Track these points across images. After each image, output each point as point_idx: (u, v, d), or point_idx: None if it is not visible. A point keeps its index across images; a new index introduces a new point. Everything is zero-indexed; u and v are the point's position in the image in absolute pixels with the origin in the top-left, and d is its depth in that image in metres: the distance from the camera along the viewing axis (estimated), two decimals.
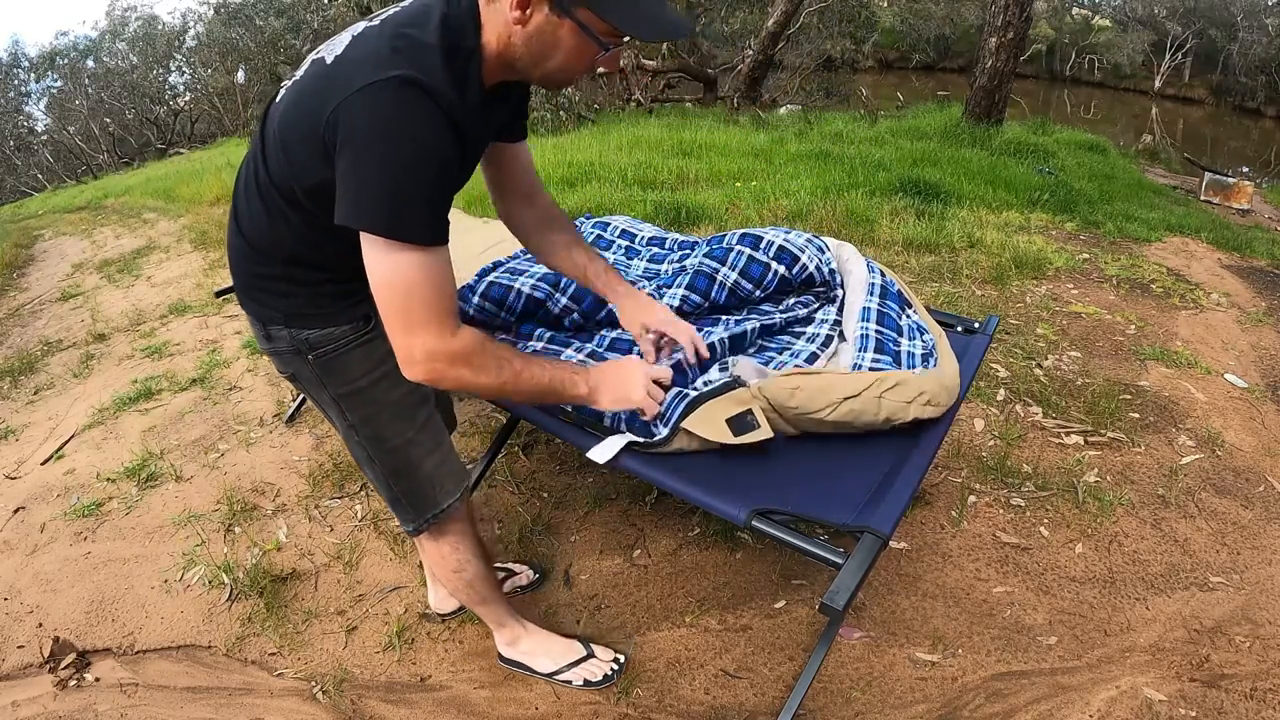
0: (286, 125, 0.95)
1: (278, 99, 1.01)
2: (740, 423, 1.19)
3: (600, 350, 1.60)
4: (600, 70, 1.01)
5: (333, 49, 0.95)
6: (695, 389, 1.27)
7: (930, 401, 1.27)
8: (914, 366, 1.43)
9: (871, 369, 1.40)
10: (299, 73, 0.99)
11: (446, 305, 0.96)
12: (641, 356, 1.36)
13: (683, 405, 1.23)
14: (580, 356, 1.56)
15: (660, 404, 1.21)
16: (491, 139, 1.17)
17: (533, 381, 1.08)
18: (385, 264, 0.91)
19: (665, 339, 1.35)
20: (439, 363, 0.97)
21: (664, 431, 1.24)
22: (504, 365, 1.03)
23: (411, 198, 0.89)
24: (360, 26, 0.96)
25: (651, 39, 0.97)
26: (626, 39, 0.96)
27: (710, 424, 1.21)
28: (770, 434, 1.19)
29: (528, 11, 0.91)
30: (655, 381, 1.20)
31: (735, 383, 1.24)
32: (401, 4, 0.98)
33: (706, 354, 1.34)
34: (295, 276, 1.05)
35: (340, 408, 1.15)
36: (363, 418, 1.15)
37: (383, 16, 0.96)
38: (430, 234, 0.92)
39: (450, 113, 0.89)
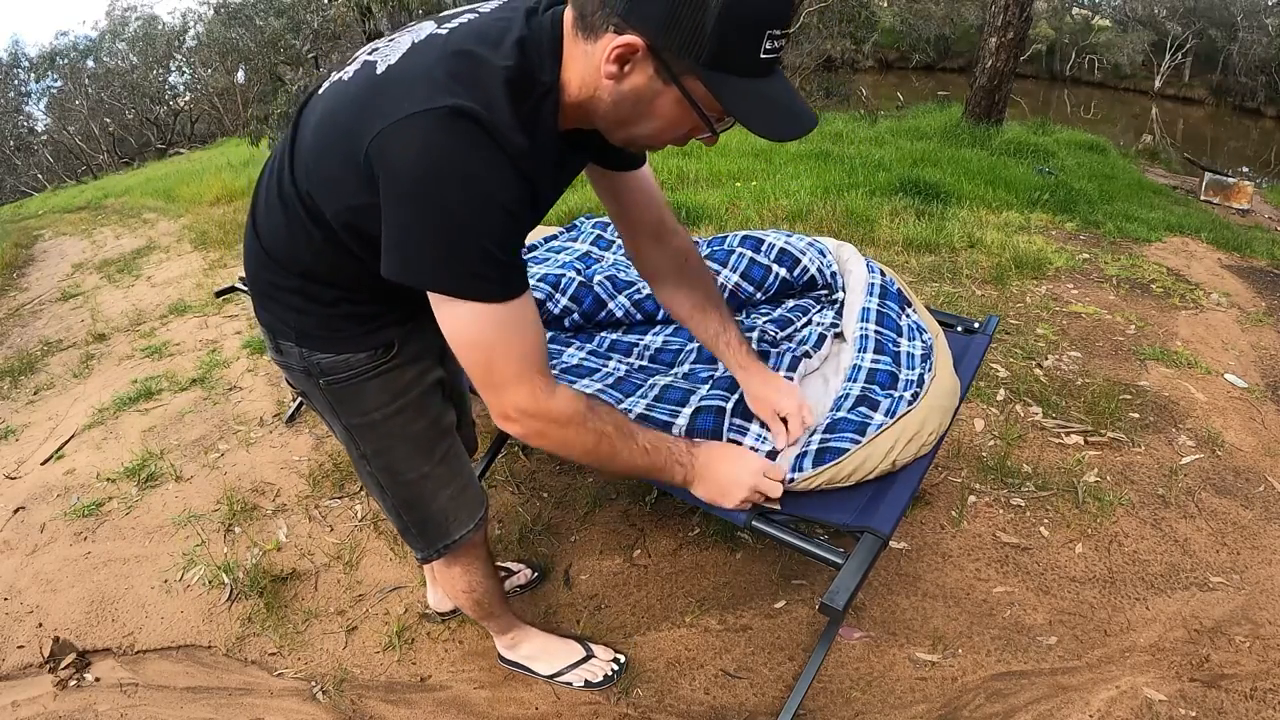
0: (322, 138, 0.83)
1: (320, 92, 0.89)
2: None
3: (600, 350, 1.60)
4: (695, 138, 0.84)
5: (387, 55, 0.81)
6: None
7: (935, 432, 1.27)
8: (913, 367, 1.43)
9: (871, 368, 1.40)
10: (346, 72, 0.86)
11: (534, 360, 0.86)
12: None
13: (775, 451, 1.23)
14: (582, 355, 1.56)
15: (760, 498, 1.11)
16: (567, 183, 1.00)
17: (629, 461, 0.99)
18: (458, 322, 0.82)
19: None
20: (536, 422, 0.88)
21: None
22: (600, 443, 0.94)
23: (471, 251, 0.77)
24: (425, 31, 0.83)
25: (774, 138, 0.77)
26: (730, 124, 0.79)
27: None
28: (776, 506, 1.18)
29: (626, 68, 0.75)
30: (767, 483, 1.10)
31: None
32: (476, 10, 0.85)
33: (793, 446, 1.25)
34: (310, 292, 0.95)
35: (352, 437, 1.07)
36: (376, 450, 1.07)
37: (452, 25, 0.82)
38: (502, 288, 0.81)
39: (514, 155, 0.77)
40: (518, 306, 0.83)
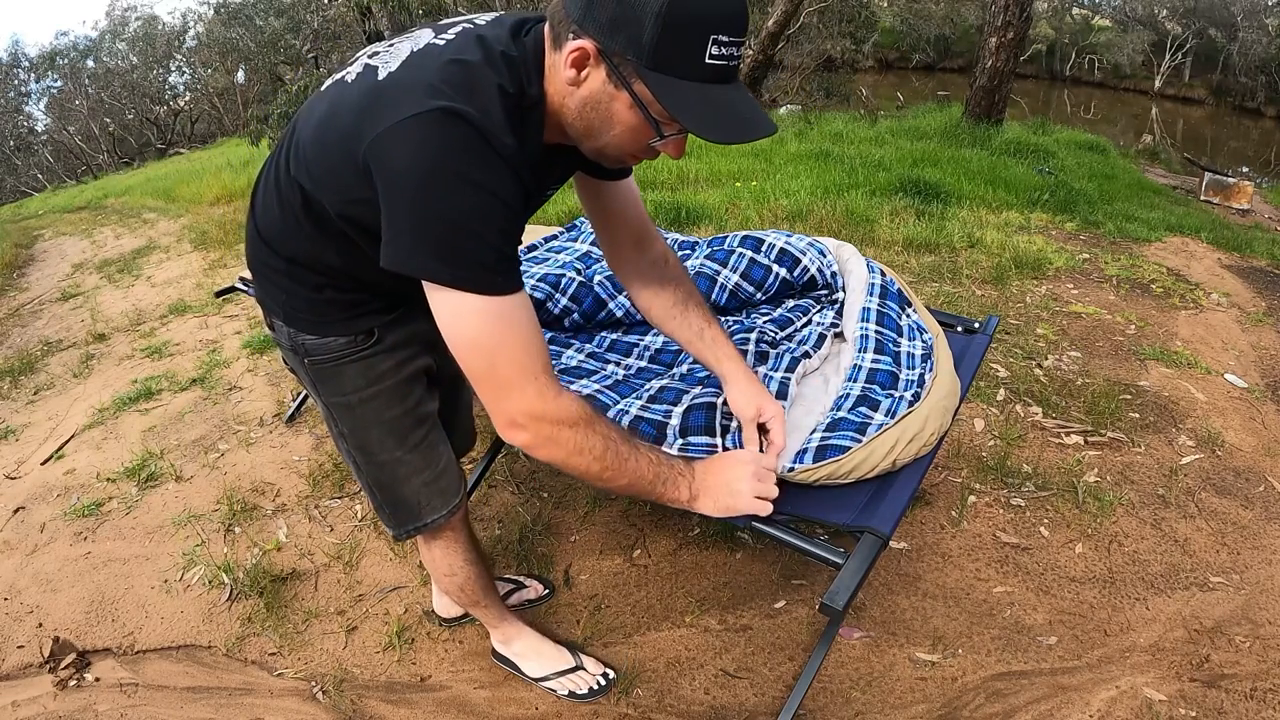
0: (322, 135, 0.86)
1: (323, 90, 0.93)
2: None
3: (600, 350, 1.60)
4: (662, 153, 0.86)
5: (387, 62, 0.85)
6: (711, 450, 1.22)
7: (936, 432, 1.26)
8: (914, 367, 1.43)
9: (871, 368, 1.40)
10: (349, 73, 0.89)
11: (538, 359, 0.86)
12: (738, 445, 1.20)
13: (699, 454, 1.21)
14: (581, 357, 1.56)
15: (768, 500, 1.07)
16: (555, 187, 1.04)
17: (636, 470, 0.95)
18: (457, 318, 0.82)
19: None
20: (546, 426, 0.86)
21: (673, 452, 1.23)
22: (609, 447, 0.92)
23: (468, 242, 0.79)
24: (423, 40, 0.87)
25: (715, 140, 0.78)
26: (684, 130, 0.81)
27: None
28: (769, 511, 1.13)
29: (583, 73, 0.79)
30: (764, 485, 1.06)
31: None
32: (471, 21, 0.89)
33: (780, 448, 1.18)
34: (296, 276, 1.00)
35: (331, 414, 1.12)
36: (351, 429, 1.12)
37: (449, 35, 0.86)
38: (502, 279, 0.81)
39: (506, 155, 0.80)
40: (518, 302, 0.84)
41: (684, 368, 1.48)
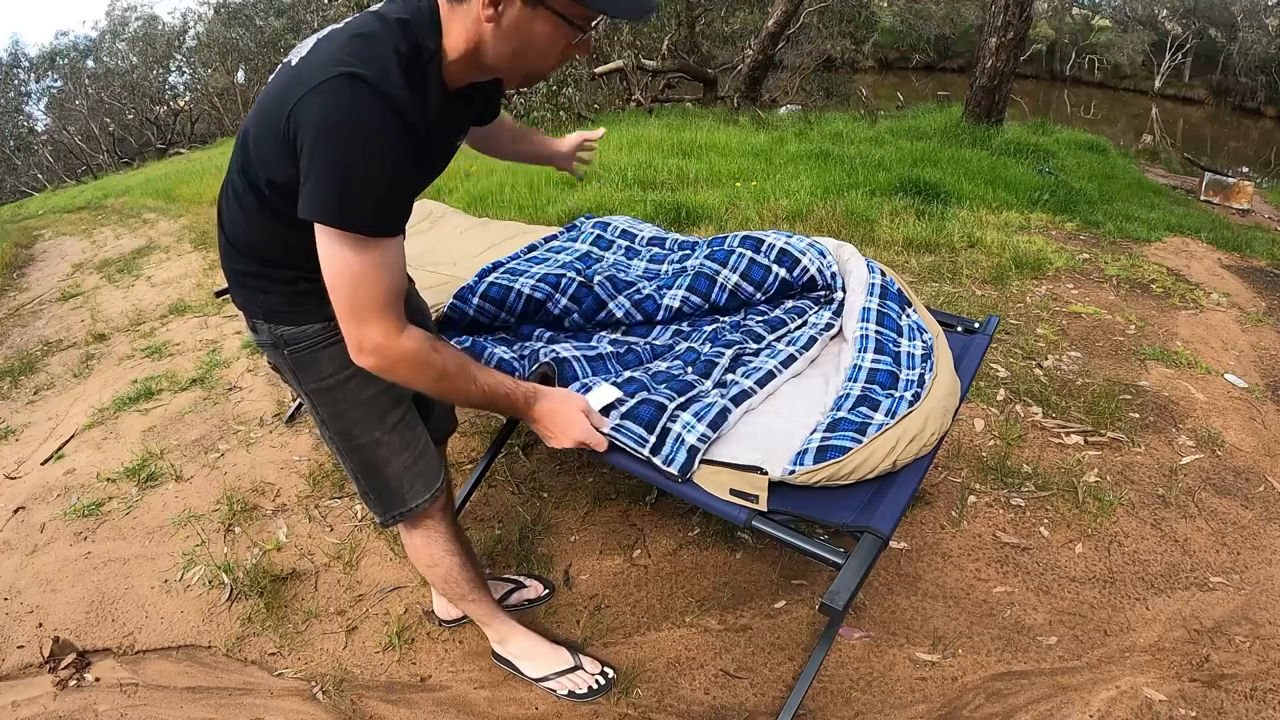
0: (257, 128, 0.99)
1: (256, 103, 1.06)
2: (742, 495, 1.19)
3: (599, 348, 1.60)
4: (574, 55, 1.04)
5: (300, 52, 0.98)
6: (705, 445, 1.23)
7: (936, 432, 1.26)
8: (914, 367, 1.43)
9: (871, 368, 1.40)
10: (270, 81, 1.03)
11: (394, 300, 1.00)
12: None
13: (694, 458, 1.22)
14: (577, 353, 1.56)
15: (603, 438, 1.23)
16: (460, 136, 1.18)
17: (467, 399, 1.12)
18: (334, 254, 0.95)
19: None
20: (386, 356, 1.01)
21: (672, 465, 1.23)
22: (443, 378, 1.07)
23: (359, 191, 0.92)
24: (326, 30, 1.00)
25: (630, 17, 0.97)
26: (600, 21, 0.98)
27: (712, 481, 1.20)
28: (765, 508, 1.16)
29: (499, 9, 0.92)
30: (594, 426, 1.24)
31: (757, 469, 1.18)
32: (367, 10, 1.02)
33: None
34: (270, 274, 1.10)
35: (312, 402, 1.20)
36: (332, 414, 1.19)
37: (346, 21, 1.00)
38: (377, 225, 0.95)
39: (401, 111, 0.92)
40: (388, 246, 0.97)
41: (662, 366, 1.48)
